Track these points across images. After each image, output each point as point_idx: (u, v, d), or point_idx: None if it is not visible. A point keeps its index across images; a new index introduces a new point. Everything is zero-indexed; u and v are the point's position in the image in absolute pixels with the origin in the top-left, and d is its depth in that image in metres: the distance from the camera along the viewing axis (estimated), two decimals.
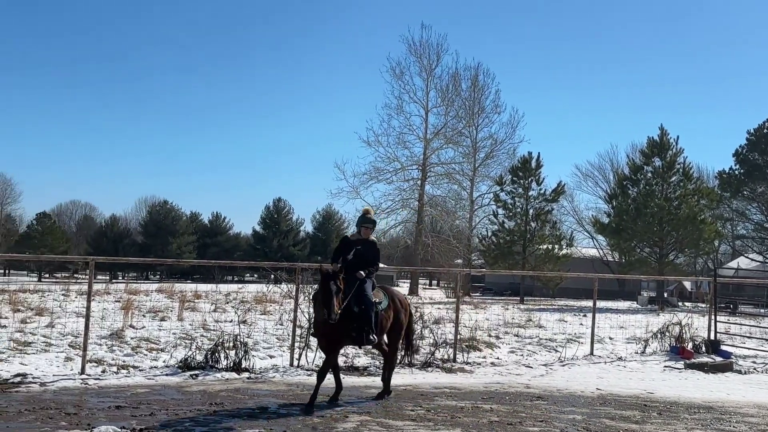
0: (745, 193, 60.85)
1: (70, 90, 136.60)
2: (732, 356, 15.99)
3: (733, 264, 61.29)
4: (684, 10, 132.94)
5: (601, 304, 23.55)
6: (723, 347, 16.69)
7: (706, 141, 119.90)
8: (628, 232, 50.60)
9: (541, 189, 55.03)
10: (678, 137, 50.56)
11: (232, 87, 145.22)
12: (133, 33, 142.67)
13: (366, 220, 10.06)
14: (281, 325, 17.22)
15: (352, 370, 12.42)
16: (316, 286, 10.54)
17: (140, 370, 11.55)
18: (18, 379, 10.33)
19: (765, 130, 60.52)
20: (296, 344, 12.97)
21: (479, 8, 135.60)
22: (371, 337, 9.38)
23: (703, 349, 16.43)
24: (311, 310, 10.47)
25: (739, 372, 14.80)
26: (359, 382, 11.32)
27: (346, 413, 8.81)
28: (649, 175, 50.80)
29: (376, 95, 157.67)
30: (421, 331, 14.21)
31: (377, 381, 11.41)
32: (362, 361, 13.23)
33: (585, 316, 25.20)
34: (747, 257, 63.10)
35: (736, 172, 61.25)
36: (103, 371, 11.35)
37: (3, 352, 11.99)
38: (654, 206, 49.27)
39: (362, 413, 8.86)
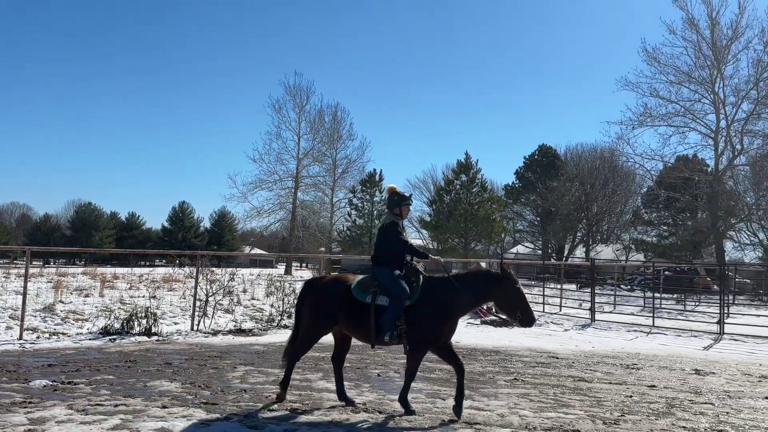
0: (522, 200, 64.84)
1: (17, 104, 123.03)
2: None
3: (514, 250, 64.84)
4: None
5: None
6: None
7: (497, 159, 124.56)
8: (443, 228, 52.96)
9: (382, 196, 56.40)
10: (478, 160, 53.48)
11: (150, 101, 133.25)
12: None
13: (407, 198, 6.65)
14: (184, 298, 16.63)
15: (240, 332, 12.22)
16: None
17: (68, 336, 10.86)
18: None
19: (536, 157, 64.65)
20: (196, 313, 12.62)
21: (335, 55, 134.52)
22: None
23: (494, 310, 17.24)
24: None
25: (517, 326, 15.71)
26: (245, 341, 11.18)
27: (235, 365, 8.68)
28: (458, 186, 53.31)
29: (260, 123, 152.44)
30: (293, 300, 14.18)
31: (260, 339, 11.35)
32: (248, 324, 13.04)
33: None
34: (523, 245, 66.95)
35: (517, 185, 65.14)
36: (38, 337, 10.60)
37: None
38: (461, 209, 51.85)
39: (247, 365, 8.77)
